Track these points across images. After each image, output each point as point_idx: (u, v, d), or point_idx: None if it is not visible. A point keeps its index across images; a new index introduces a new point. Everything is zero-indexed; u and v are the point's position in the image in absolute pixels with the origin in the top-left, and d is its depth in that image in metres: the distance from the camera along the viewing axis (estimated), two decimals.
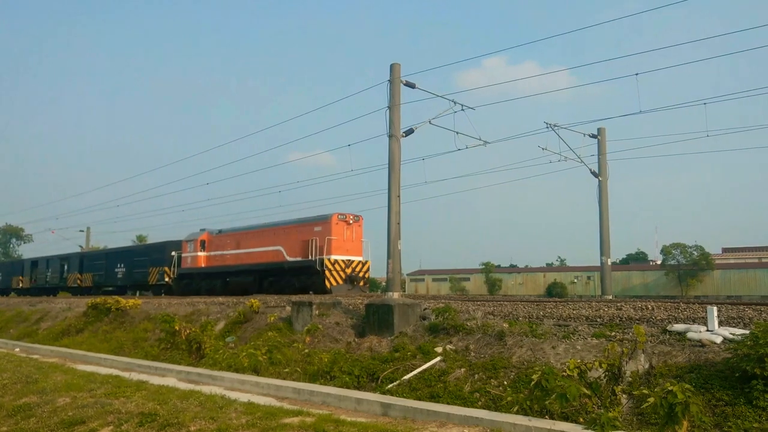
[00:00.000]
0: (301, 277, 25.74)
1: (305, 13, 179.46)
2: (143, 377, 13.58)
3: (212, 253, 31.15)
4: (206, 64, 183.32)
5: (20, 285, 51.25)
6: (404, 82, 16.40)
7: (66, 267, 45.95)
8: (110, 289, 40.04)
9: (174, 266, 33.39)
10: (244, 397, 10.79)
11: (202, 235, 31.80)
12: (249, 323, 17.56)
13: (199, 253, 31.33)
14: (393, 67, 16.32)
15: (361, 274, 25.79)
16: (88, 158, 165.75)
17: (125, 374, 13.98)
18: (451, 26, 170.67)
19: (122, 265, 38.89)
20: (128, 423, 9.43)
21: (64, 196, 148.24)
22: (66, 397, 11.50)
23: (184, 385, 12.43)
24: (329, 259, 24.57)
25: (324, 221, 25.67)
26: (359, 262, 25.86)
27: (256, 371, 13.22)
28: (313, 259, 24.79)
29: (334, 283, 24.41)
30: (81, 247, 57.48)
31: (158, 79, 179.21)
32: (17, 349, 21.47)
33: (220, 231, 31.54)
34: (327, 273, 24.41)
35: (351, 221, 25.97)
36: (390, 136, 16.00)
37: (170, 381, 13.10)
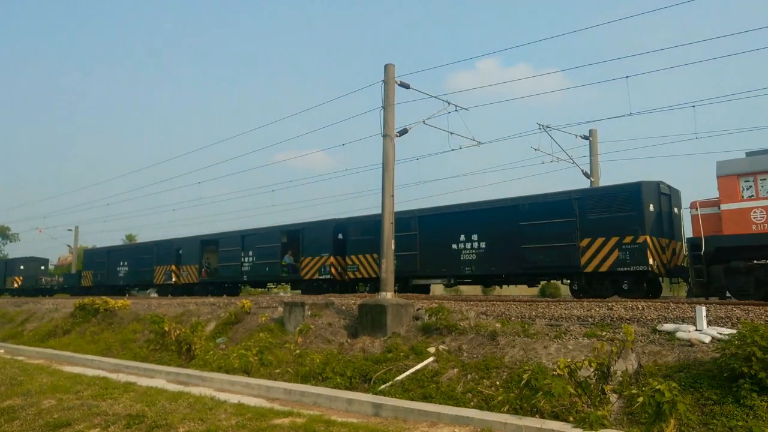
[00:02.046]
0: None
1: (300, 13, 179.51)
2: (131, 379, 13.49)
3: None
4: (201, 62, 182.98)
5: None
6: (398, 82, 16.40)
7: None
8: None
9: None
10: (234, 399, 10.73)
11: None
12: (240, 324, 17.48)
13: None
14: (387, 68, 16.32)
15: None
16: (78, 156, 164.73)
17: (113, 376, 13.88)
18: (443, 28, 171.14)
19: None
20: (115, 425, 9.36)
21: (51, 195, 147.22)
22: (52, 399, 11.41)
23: (173, 387, 12.35)
24: None
25: None
26: None
27: (247, 372, 13.17)
28: None
29: None
30: (69, 246, 57.06)
31: (152, 77, 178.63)
32: (1, 351, 21.23)
33: None
34: None
35: None
36: (384, 136, 15.98)
37: (159, 382, 13.02)
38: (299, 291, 29.25)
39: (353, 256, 25.23)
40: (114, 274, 39.19)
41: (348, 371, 12.14)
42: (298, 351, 13.92)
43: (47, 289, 48.83)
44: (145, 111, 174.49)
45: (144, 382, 12.99)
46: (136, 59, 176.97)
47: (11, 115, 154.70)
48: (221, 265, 31.78)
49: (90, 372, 14.72)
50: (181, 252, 34.26)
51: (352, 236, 25.55)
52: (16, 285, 49.44)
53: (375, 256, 23.71)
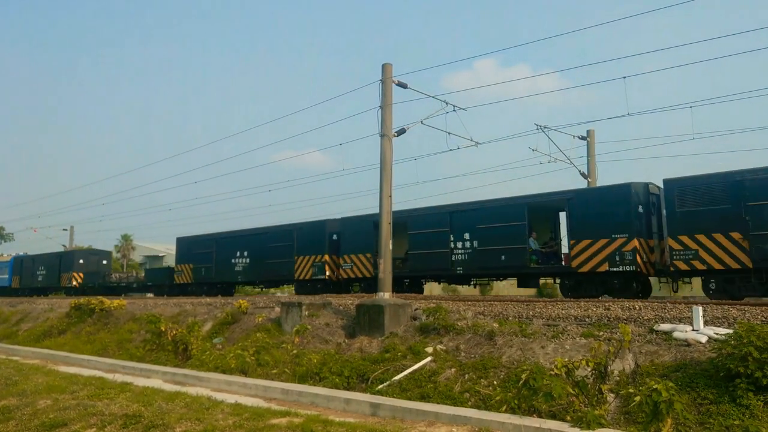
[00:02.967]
0: None
1: (296, 13, 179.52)
2: (128, 379, 13.44)
3: None
4: (195, 60, 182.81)
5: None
6: (396, 82, 16.41)
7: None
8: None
9: None
10: (231, 398, 10.71)
11: None
12: (237, 324, 17.47)
13: None
14: (385, 67, 16.33)
15: None
16: (73, 155, 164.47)
17: (109, 376, 13.83)
18: (440, 29, 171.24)
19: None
20: (112, 425, 9.30)
21: (46, 194, 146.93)
22: (47, 399, 11.33)
23: (169, 387, 12.32)
24: None
25: None
26: None
27: (244, 372, 13.16)
28: None
29: None
30: (64, 246, 56.20)
31: (148, 76, 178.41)
32: None
33: None
34: None
35: None
36: (382, 136, 16.00)
37: (155, 382, 12.98)
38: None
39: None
40: (226, 267, 31.42)
41: (345, 371, 12.13)
42: (295, 351, 13.91)
43: (120, 287, 41.25)
44: (142, 109, 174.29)
45: (140, 382, 12.95)
46: (131, 57, 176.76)
47: (4, 113, 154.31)
48: (415, 253, 23.48)
49: (86, 372, 14.66)
50: (336, 237, 26.90)
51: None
52: (75, 283, 41.95)
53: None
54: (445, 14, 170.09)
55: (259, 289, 34.75)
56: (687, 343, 9.79)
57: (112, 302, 22.98)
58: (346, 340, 14.28)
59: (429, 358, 11.67)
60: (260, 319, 16.73)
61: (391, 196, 15.76)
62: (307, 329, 14.80)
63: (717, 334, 9.73)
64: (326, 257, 26.22)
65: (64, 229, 56.80)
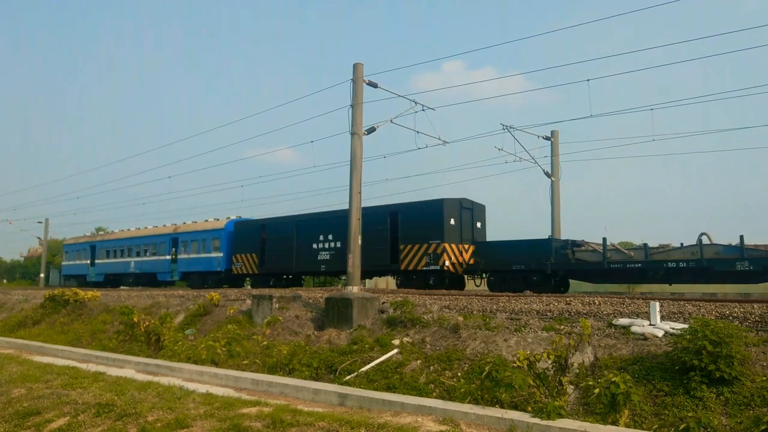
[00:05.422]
0: None
1: (266, 10, 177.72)
2: (101, 368, 13.52)
3: None
4: (168, 56, 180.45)
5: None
6: (367, 81, 16.60)
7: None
8: None
9: None
10: (202, 388, 10.86)
11: None
12: (209, 316, 17.60)
13: None
14: (356, 67, 16.51)
15: None
16: (48, 149, 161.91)
17: (83, 365, 13.89)
18: (408, 29, 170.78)
19: None
20: (85, 413, 9.40)
21: (21, 187, 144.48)
22: (21, 389, 11.41)
23: (142, 377, 12.44)
24: None
25: None
26: None
27: (215, 363, 13.31)
28: None
29: None
30: (39, 238, 55.82)
31: (122, 72, 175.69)
32: None
33: None
34: None
35: None
36: (352, 134, 16.19)
37: (128, 372, 13.09)
38: None
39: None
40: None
41: (314, 362, 12.36)
42: (265, 342, 14.10)
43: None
44: (115, 105, 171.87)
45: (113, 372, 13.05)
46: (105, 53, 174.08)
47: None
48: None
49: (60, 362, 14.71)
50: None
51: None
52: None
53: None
54: (414, 15, 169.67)
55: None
56: (644, 337, 10.13)
57: (86, 294, 22.95)
58: (315, 332, 14.51)
59: (396, 350, 11.95)
60: (232, 311, 16.88)
61: (360, 193, 16.00)
62: (278, 321, 15.00)
63: (673, 328, 10.10)
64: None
65: (39, 222, 56.31)
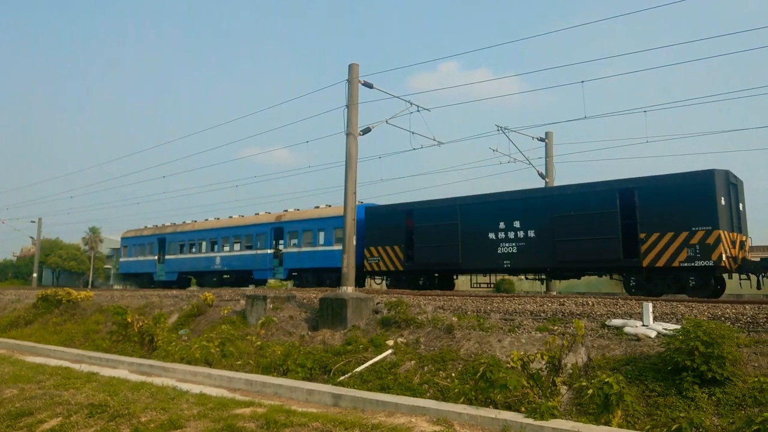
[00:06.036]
0: None
1: (265, 11, 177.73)
2: (94, 369, 13.48)
3: None
4: (168, 56, 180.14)
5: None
6: (362, 82, 16.63)
7: None
8: None
9: None
10: (196, 389, 10.85)
11: None
12: (203, 316, 17.57)
13: None
14: (351, 67, 16.53)
15: None
16: (42, 148, 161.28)
17: (76, 366, 13.86)
18: (406, 31, 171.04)
19: None
20: (77, 414, 9.38)
21: (14, 186, 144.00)
22: (13, 389, 11.37)
23: (135, 377, 12.41)
24: None
25: None
26: None
27: (209, 363, 13.29)
28: None
29: None
30: (32, 238, 55.64)
31: (121, 72, 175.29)
32: None
33: None
34: None
35: None
36: (348, 135, 16.21)
37: (121, 372, 13.06)
38: None
39: None
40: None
41: (308, 363, 12.35)
42: (259, 343, 14.09)
43: None
44: (112, 104, 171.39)
45: (107, 372, 13.01)
46: (104, 54, 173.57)
47: None
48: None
49: (52, 362, 14.66)
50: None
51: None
52: None
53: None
54: (411, 17, 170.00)
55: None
56: (637, 338, 10.17)
57: (79, 294, 22.90)
58: (310, 333, 14.51)
59: (390, 351, 11.95)
60: (226, 311, 16.86)
61: (355, 193, 16.01)
62: (272, 321, 14.99)
63: (666, 329, 10.14)
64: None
65: (32, 221, 56.18)
